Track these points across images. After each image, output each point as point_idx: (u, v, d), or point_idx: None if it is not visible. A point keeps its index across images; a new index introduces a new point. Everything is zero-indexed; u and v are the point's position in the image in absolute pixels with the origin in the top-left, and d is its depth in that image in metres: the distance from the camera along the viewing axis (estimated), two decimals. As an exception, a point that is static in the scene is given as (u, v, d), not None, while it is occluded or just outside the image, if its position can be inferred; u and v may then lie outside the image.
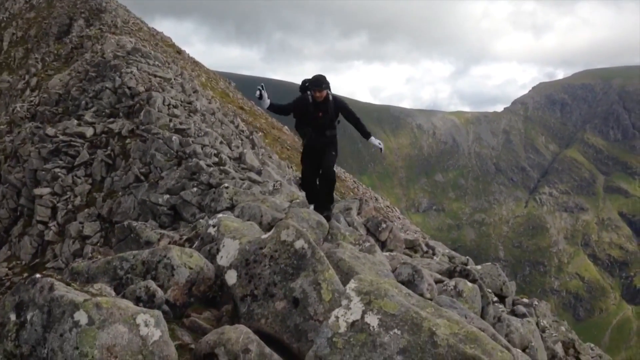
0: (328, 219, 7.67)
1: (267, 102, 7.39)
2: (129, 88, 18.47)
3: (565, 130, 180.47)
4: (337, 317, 2.76)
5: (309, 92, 7.65)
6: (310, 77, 8.04)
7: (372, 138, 7.97)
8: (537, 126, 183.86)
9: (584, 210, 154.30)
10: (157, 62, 23.01)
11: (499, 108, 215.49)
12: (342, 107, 7.89)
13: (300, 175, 8.46)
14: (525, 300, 9.34)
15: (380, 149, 8.11)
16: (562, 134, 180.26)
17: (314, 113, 7.68)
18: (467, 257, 11.66)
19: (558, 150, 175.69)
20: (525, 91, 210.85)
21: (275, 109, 7.69)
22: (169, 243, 5.00)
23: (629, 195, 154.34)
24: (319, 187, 8.04)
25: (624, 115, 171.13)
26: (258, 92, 7.31)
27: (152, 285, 3.30)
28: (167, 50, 34.07)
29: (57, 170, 15.90)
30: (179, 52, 38.87)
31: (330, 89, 7.83)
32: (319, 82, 7.59)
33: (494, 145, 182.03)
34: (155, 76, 20.46)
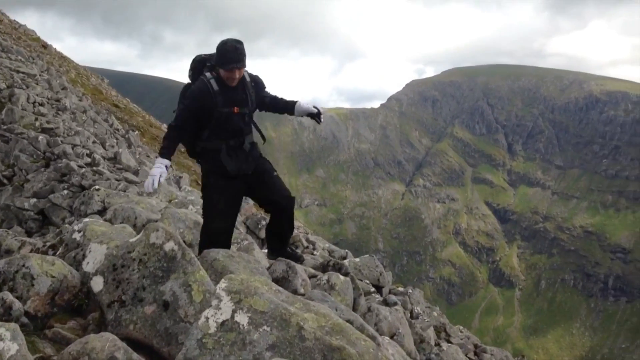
0: (301, 260, 5.56)
1: (165, 165, 4.66)
2: (-13, 84, 17.06)
3: (437, 125, 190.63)
4: (207, 318, 2.77)
5: (208, 75, 4.73)
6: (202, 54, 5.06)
7: (302, 104, 5.21)
8: (411, 121, 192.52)
9: (454, 200, 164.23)
10: (19, 57, 21.48)
11: (376, 104, 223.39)
12: (262, 88, 5.11)
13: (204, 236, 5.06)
14: (400, 289, 9.76)
15: (318, 119, 5.24)
16: (433, 128, 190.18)
17: (225, 109, 4.71)
18: (347, 250, 12.03)
19: (430, 144, 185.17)
20: (399, 88, 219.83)
21: (175, 145, 4.84)
22: (31, 251, 4.72)
23: (493, 186, 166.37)
24: (275, 227, 5.35)
25: (488, 111, 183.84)
26: (155, 181, 4.50)
27: (9, 296, 3.11)
28: (32, 44, 31.83)
29: None
30: (45, 46, 36.46)
31: None
32: (239, 54, 4.59)
33: (372, 140, 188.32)
34: (18, 72, 19.07)
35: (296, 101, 5.24)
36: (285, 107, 5.25)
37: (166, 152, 4.76)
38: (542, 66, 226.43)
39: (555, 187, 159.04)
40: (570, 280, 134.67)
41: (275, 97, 5.28)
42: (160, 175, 4.56)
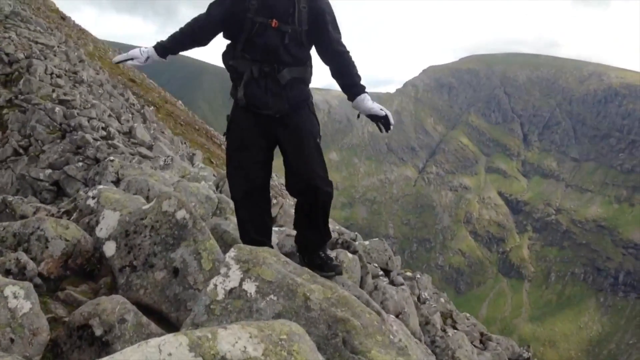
0: (338, 271, 4.01)
1: (146, 50, 3.71)
2: (7, 54, 17.17)
3: (452, 113, 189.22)
4: (215, 285, 2.82)
5: None
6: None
7: (367, 100, 3.77)
8: (426, 108, 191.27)
9: (466, 188, 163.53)
10: (38, 28, 21.58)
11: (392, 89, 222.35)
12: (323, 13, 3.58)
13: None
14: (408, 273, 9.77)
15: (385, 126, 3.79)
16: (449, 116, 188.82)
17: (259, 17, 3.42)
18: (356, 233, 12.03)
19: (445, 131, 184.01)
20: (416, 73, 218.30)
21: (178, 39, 3.66)
22: (46, 216, 4.81)
23: (507, 176, 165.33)
24: (300, 216, 3.98)
25: (505, 100, 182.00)
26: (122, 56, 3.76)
27: (23, 257, 3.18)
28: (50, 15, 31.97)
29: None
30: (64, 18, 36.61)
31: None
32: None
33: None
34: (36, 42, 19.19)
35: (362, 88, 3.79)
36: (344, 85, 3.86)
37: (161, 41, 3.75)
38: (560, 56, 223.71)
39: (569, 180, 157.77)
40: (580, 274, 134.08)
41: (338, 51, 3.74)
42: (131, 57, 3.77)
